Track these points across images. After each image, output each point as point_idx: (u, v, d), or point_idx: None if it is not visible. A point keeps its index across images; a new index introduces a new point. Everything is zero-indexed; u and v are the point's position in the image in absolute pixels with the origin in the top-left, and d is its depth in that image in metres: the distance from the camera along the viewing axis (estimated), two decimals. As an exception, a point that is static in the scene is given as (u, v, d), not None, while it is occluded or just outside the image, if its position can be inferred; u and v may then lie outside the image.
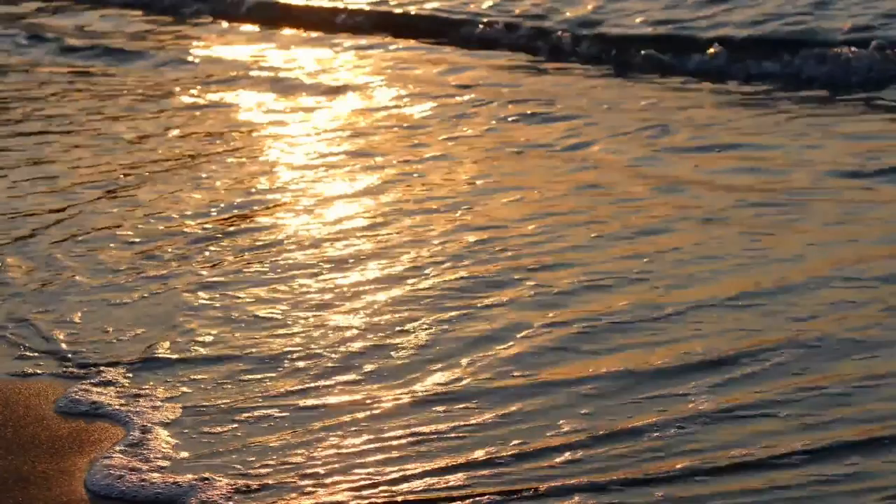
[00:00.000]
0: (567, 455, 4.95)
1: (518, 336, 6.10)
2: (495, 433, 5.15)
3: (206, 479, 4.66)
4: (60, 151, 10.17)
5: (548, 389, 5.53)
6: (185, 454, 4.91)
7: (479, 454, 4.98)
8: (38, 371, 5.77)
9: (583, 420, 5.24)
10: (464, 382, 5.62)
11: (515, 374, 5.72)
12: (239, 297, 6.66)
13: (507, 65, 13.41)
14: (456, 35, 15.15)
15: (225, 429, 5.17)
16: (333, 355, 5.93)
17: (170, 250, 7.48)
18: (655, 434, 5.08)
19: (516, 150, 9.73)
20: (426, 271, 7.00)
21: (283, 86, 12.67)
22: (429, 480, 4.80)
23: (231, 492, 4.59)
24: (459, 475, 4.81)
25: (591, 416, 5.28)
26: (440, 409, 5.36)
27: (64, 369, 5.76)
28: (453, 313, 6.41)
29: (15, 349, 6.06)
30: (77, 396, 5.40)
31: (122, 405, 5.33)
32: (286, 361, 5.85)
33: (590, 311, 6.35)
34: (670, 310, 6.30)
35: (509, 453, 4.99)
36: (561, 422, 5.22)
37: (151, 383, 5.59)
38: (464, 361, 5.84)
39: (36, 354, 6.00)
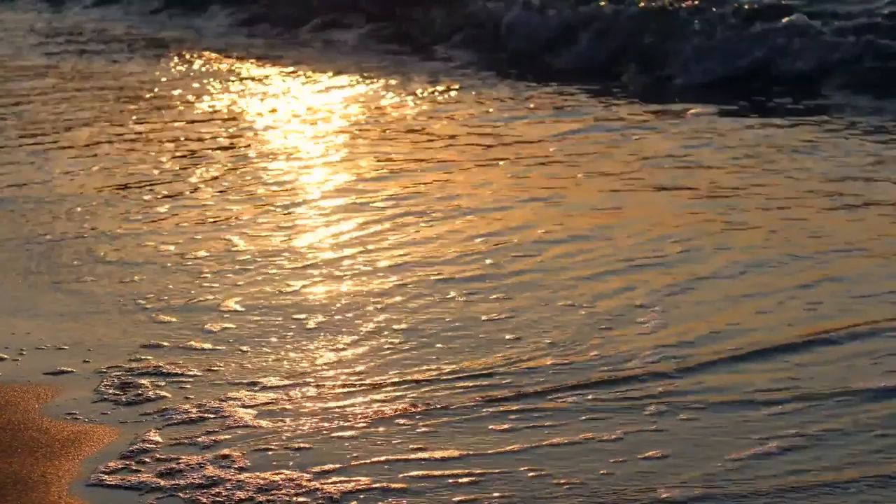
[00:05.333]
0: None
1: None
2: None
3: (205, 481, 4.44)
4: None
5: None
6: (185, 457, 4.60)
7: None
8: (41, 371, 5.46)
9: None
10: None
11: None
12: (242, 303, 6.33)
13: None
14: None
15: (230, 431, 4.84)
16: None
17: (182, 253, 7.23)
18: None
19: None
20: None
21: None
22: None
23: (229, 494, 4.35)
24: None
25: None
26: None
27: (64, 370, 5.46)
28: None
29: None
30: (77, 399, 5.14)
31: (122, 408, 5.05)
32: (294, 363, 5.54)
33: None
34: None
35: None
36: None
37: (153, 385, 5.28)
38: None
39: (29, 356, 5.67)
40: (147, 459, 4.51)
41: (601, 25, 14.65)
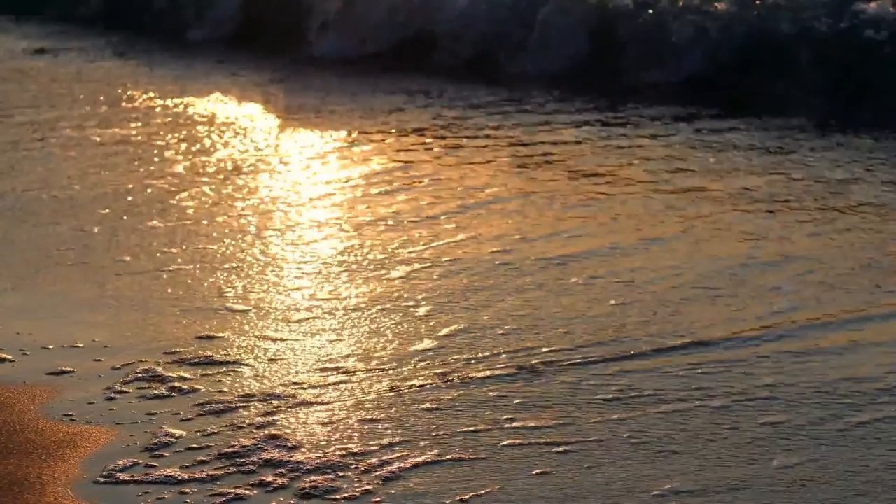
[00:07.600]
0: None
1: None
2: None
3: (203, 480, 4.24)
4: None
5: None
6: (184, 458, 4.39)
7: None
8: (37, 372, 5.28)
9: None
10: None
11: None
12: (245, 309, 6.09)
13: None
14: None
15: (227, 428, 4.64)
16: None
17: (188, 257, 6.98)
18: None
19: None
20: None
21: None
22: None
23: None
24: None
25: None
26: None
27: (60, 371, 5.27)
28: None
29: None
30: (72, 400, 4.96)
31: (120, 409, 4.85)
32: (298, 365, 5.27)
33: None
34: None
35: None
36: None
37: (150, 386, 5.09)
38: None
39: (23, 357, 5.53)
40: (171, 451, 4.37)
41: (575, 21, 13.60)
